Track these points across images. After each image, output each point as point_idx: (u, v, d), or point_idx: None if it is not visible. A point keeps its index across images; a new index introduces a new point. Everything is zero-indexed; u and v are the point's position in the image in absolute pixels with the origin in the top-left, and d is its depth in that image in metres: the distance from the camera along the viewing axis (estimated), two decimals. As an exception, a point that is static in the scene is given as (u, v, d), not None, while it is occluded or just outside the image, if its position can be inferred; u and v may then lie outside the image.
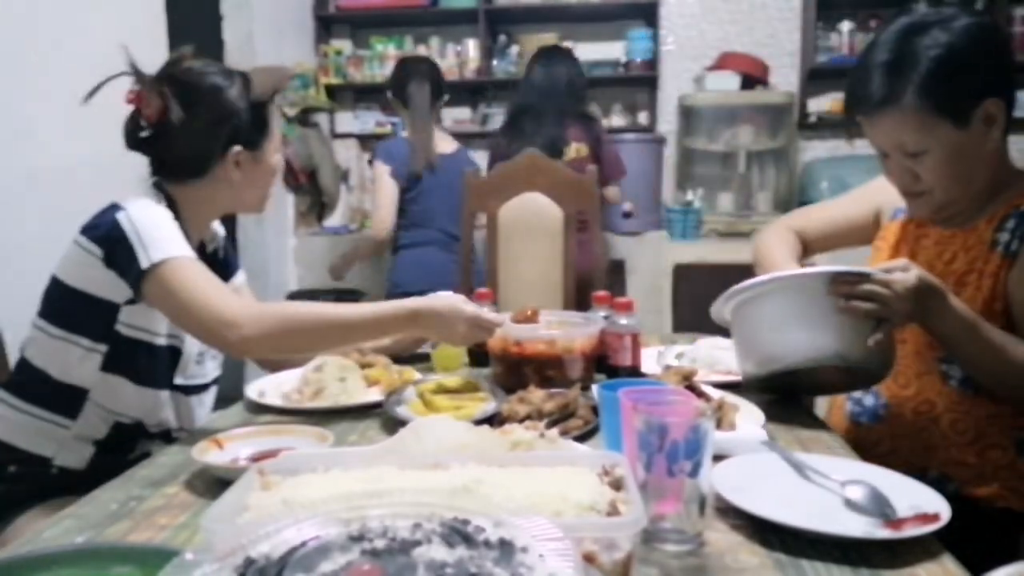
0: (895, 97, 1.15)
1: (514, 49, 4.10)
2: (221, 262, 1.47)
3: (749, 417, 1.13)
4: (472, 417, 1.13)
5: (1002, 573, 0.55)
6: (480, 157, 4.13)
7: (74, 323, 1.27)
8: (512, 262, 2.41)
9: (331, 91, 4.16)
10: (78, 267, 1.26)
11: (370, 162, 2.94)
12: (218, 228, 1.54)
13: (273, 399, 1.33)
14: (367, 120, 4.27)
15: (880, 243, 1.39)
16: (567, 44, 4.01)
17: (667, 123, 4.05)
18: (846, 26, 3.80)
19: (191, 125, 1.29)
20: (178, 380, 1.35)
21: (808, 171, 3.87)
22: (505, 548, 0.50)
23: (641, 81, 4.06)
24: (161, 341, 1.31)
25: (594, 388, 1.17)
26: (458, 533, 0.52)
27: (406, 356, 1.58)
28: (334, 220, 4.01)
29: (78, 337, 1.26)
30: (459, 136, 4.27)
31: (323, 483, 0.72)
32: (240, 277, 1.53)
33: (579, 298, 2.27)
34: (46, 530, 0.86)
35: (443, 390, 1.30)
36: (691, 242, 3.60)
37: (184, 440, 1.19)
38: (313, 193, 3.95)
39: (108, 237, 1.22)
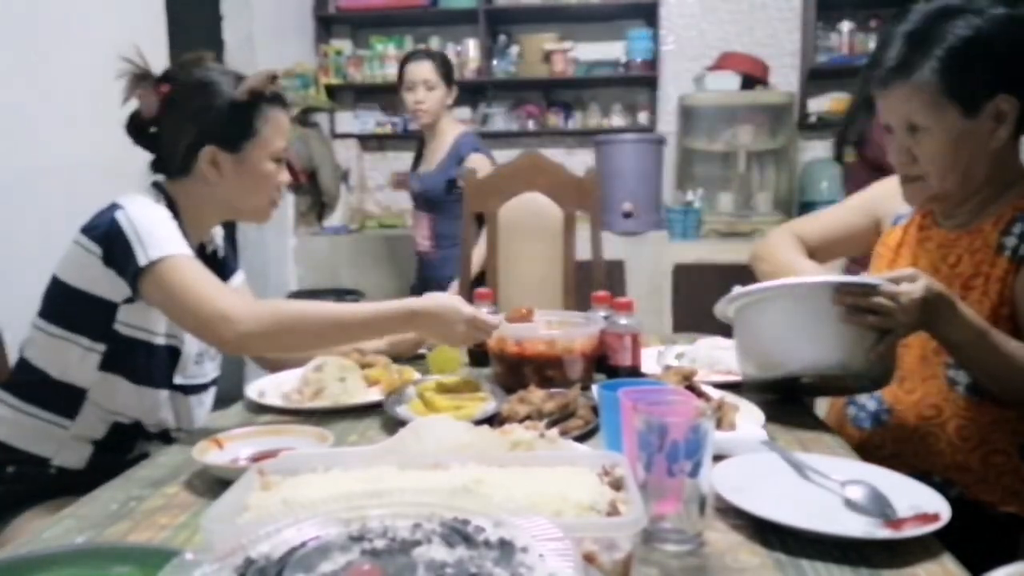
0: (911, 68, 1.14)
1: (514, 49, 4.10)
2: (220, 263, 1.47)
3: (749, 417, 1.13)
4: (472, 417, 1.13)
5: (1002, 573, 0.55)
6: (479, 158, 4.15)
7: (74, 323, 1.27)
8: (512, 262, 2.41)
9: (331, 91, 4.16)
10: (78, 266, 1.26)
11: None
12: (217, 228, 1.54)
13: (273, 399, 1.33)
14: (367, 120, 4.27)
15: (881, 249, 1.38)
16: (567, 44, 4.02)
17: (667, 123, 4.05)
18: (846, 26, 3.80)
19: (175, 121, 1.32)
20: (177, 380, 1.35)
21: (808, 171, 3.87)
22: (505, 548, 0.50)
23: (641, 81, 4.06)
24: (160, 341, 1.31)
25: (594, 388, 1.17)
26: (458, 533, 0.52)
27: (406, 356, 1.58)
28: (334, 220, 4.01)
29: (77, 336, 1.27)
30: (459, 136, 4.29)
31: (323, 483, 0.72)
32: (239, 278, 1.53)
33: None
34: (46, 530, 0.86)
35: (443, 390, 1.30)
36: (691, 242, 3.60)
37: (184, 440, 1.19)
38: (313, 193, 3.95)
39: (107, 236, 1.23)
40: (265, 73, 1.33)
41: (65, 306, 1.27)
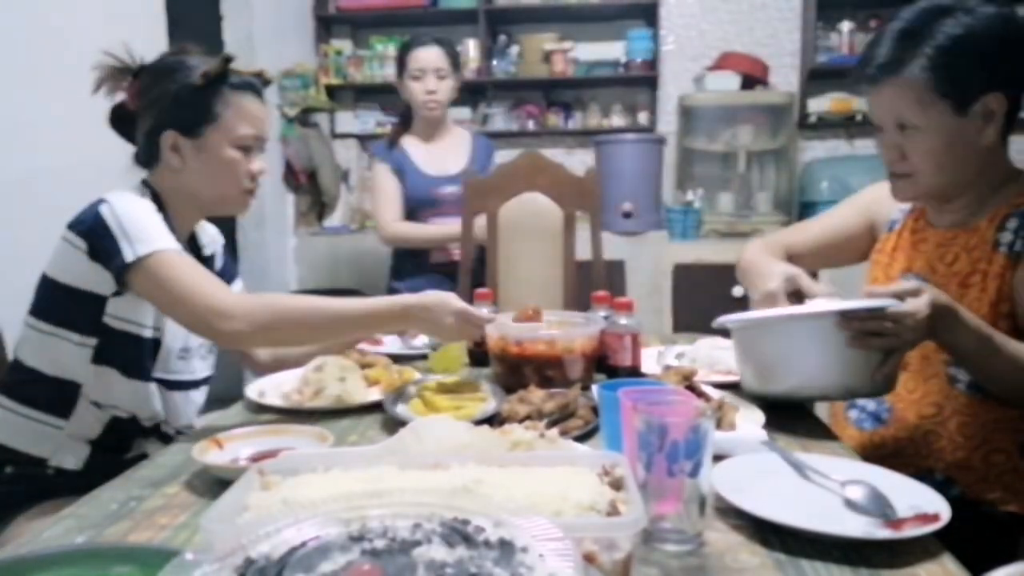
0: (901, 65, 1.15)
1: (514, 49, 4.10)
2: (218, 273, 1.45)
3: (749, 417, 1.13)
4: (472, 417, 1.13)
5: (1002, 573, 0.55)
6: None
7: (64, 318, 1.27)
8: (512, 262, 2.41)
9: (331, 91, 4.16)
10: (65, 262, 1.26)
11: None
12: (216, 235, 1.54)
13: (273, 399, 1.33)
14: (367, 120, 4.27)
15: (878, 256, 1.38)
16: (567, 44, 4.02)
17: (667, 123, 4.05)
18: (846, 26, 3.80)
19: (142, 108, 1.34)
20: (158, 374, 1.35)
21: (808, 171, 3.87)
22: (505, 548, 0.50)
23: (641, 81, 4.06)
24: (147, 333, 1.31)
25: (594, 388, 1.17)
26: (458, 533, 0.52)
27: (407, 356, 1.58)
28: (334, 220, 4.01)
29: (68, 332, 1.27)
30: (459, 136, 4.29)
31: (323, 483, 0.72)
32: (236, 286, 1.53)
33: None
34: (46, 530, 0.86)
35: (443, 390, 1.30)
36: (691, 242, 3.59)
37: (184, 440, 1.19)
38: (313, 193, 3.95)
39: (91, 230, 1.23)
40: (220, 56, 1.33)
41: (55, 302, 1.28)
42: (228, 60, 1.33)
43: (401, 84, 2.60)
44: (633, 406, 0.80)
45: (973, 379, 1.19)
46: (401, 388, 1.32)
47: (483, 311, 1.35)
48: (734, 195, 3.86)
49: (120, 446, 1.34)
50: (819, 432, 1.16)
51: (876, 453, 1.25)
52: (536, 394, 1.20)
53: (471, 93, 4.19)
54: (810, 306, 1.20)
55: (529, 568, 0.48)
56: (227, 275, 1.49)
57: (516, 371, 1.36)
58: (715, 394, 1.18)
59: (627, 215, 3.60)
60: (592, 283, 2.25)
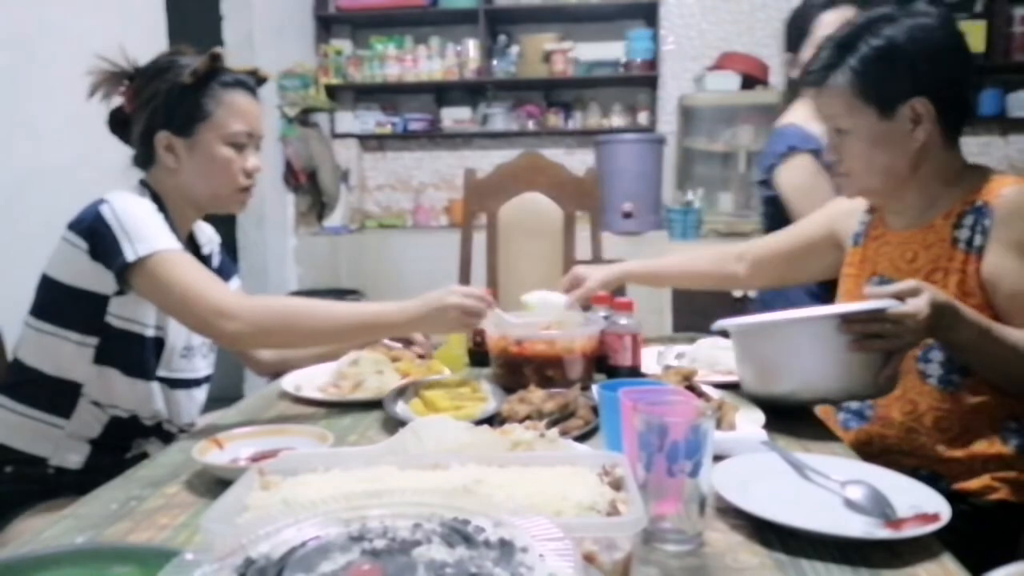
0: (831, 74, 1.23)
1: (514, 49, 4.10)
2: (216, 271, 1.45)
3: (749, 417, 1.13)
4: (472, 417, 1.13)
5: (1002, 573, 0.55)
6: (479, 157, 4.15)
7: (64, 318, 1.27)
8: (512, 262, 2.41)
9: (331, 91, 4.16)
10: (66, 262, 1.26)
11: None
12: (213, 234, 1.54)
13: (310, 393, 1.35)
14: (367, 120, 4.27)
15: (848, 269, 1.40)
16: (567, 44, 4.02)
17: (667, 123, 4.05)
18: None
19: (137, 110, 1.34)
20: (162, 372, 1.35)
21: (808, 171, 3.86)
22: (505, 548, 0.50)
23: (641, 81, 4.06)
24: (150, 332, 1.31)
25: (594, 388, 1.17)
26: (458, 533, 0.52)
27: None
28: (334, 220, 4.01)
29: (68, 332, 1.27)
30: (459, 136, 4.30)
31: (323, 483, 0.72)
32: (233, 284, 1.53)
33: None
34: (46, 530, 0.86)
35: (443, 390, 1.30)
36: (691, 242, 3.60)
37: (184, 440, 1.19)
38: (313, 193, 3.96)
39: (92, 230, 1.23)
40: (208, 53, 1.33)
41: (56, 303, 1.28)
42: (216, 57, 1.33)
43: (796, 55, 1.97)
44: (633, 406, 0.80)
45: (943, 370, 1.20)
46: (401, 388, 1.32)
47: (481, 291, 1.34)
48: (734, 195, 3.86)
49: (120, 446, 1.34)
50: (819, 432, 1.16)
51: (864, 452, 1.26)
52: (536, 394, 1.20)
53: (471, 93, 4.19)
54: (811, 310, 1.21)
55: (529, 568, 0.48)
56: (224, 273, 1.49)
57: (516, 371, 1.36)
58: (715, 394, 1.18)
59: (627, 215, 3.60)
60: (592, 283, 2.24)
